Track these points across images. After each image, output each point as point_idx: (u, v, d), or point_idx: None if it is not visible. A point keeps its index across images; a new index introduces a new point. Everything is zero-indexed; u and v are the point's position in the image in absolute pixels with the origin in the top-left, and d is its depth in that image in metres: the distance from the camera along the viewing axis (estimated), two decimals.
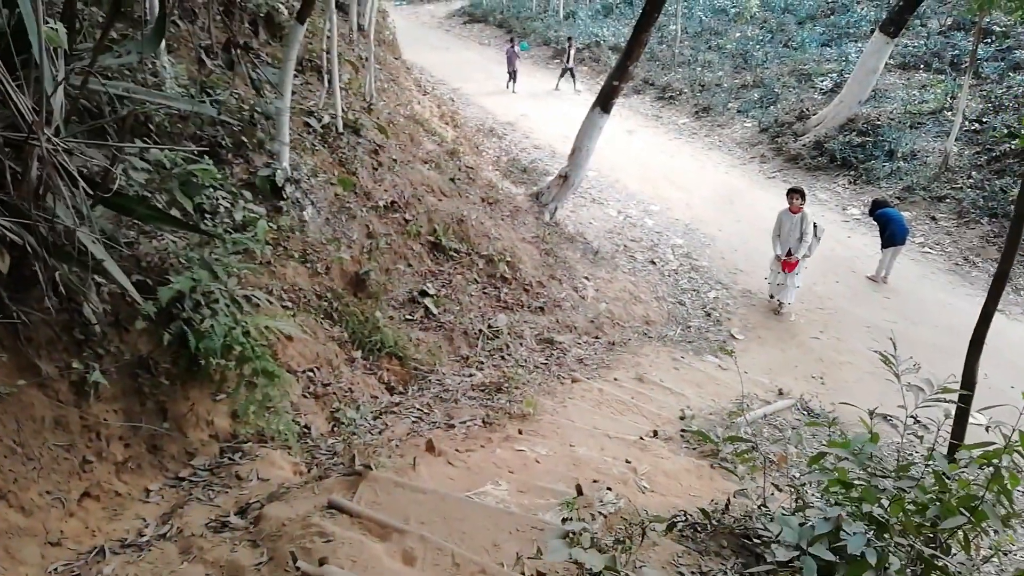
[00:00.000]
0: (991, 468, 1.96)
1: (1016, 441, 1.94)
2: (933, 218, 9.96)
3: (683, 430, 4.52)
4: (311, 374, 4.36)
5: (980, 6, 9.89)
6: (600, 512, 2.75)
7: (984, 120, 11.03)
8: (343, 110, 6.57)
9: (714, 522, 2.59)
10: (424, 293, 5.83)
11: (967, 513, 1.92)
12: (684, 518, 2.62)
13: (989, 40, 12.91)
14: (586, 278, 7.69)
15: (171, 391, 3.19)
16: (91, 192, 2.52)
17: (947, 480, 2.00)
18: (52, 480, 2.57)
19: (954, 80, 12.32)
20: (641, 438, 4.25)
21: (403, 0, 29.00)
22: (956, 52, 13.32)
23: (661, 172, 11.85)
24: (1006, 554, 3.10)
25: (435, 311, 5.75)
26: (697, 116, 14.82)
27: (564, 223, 8.89)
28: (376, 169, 6.43)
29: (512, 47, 16.11)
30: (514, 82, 16.19)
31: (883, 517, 1.90)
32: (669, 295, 8.05)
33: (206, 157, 4.16)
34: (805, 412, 5.49)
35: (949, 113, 11.36)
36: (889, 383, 2.37)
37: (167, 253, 3.40)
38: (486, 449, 3.74)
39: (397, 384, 4.96)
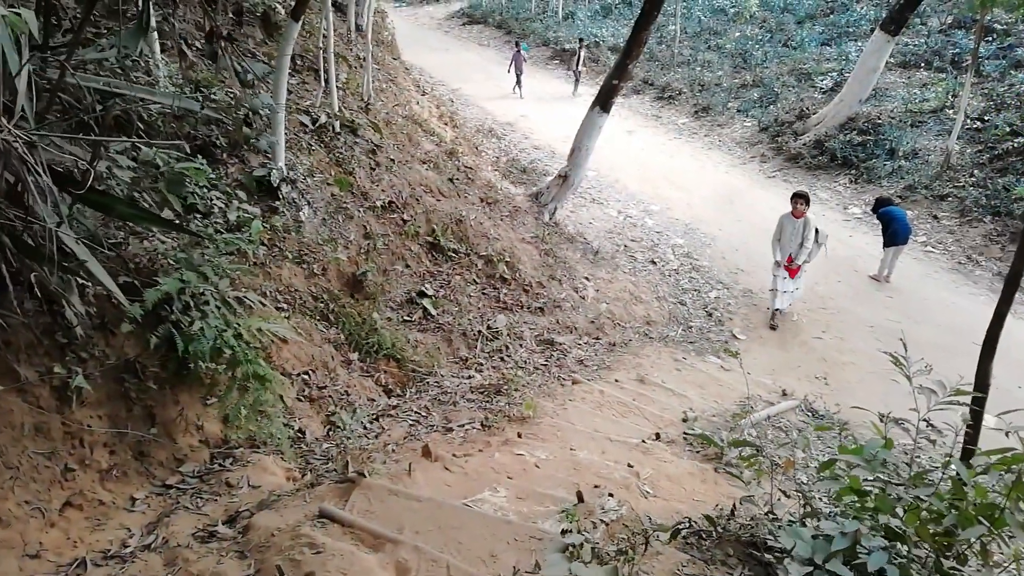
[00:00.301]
0: (1011, 475, 1.87)
1: None
2: (935, 217, 9.88)
3: (686, 432, 4.42)
4: (306, 377, 4.27)
5: (981, 4, 9.84)
6: (602, 520, 2.66)
7: (986, 118, 10.96)
8: (340, 109, 6.49)
9: (719, 529, 2.50)
10: (422, 294, 5.74)
11: (986, 522, 1.83)
12: (688, 525, 2.53)
13: (990, 38, 12.83)
14: (586, 278, 7.60)
15: (159, 395, 3.09)
16: (70, 190, 2.42)
17: (965, 487, 1.91)
18: (32, 489, 2.46)
19: (955, 78, 12.26)
20: (643, 441, 4.15)
21: (403, 2, 29.00)
22: (957, 50, 13.26)
23: (661, 172, 11.79)
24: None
25: (433, 312, 5.66)
26: (697, 116, 14.76)
27: (564, 223, 8.81)
28: (374, 169, 6.34)
29: (518, 51, 15.78)
30: (520, 87, 15.66)
31: (900, 528, 1.80)
32: (670, 295, 7.97)
33: (199, 156, 4.08)
34: (809, 413, 5.40)
35: (950, 111, 11.29)
36: (893, 383, 2.30)
37: (157, 254, 3.31)
38: (484, 453, 3.65)
39: (395, 387, 4.88)
